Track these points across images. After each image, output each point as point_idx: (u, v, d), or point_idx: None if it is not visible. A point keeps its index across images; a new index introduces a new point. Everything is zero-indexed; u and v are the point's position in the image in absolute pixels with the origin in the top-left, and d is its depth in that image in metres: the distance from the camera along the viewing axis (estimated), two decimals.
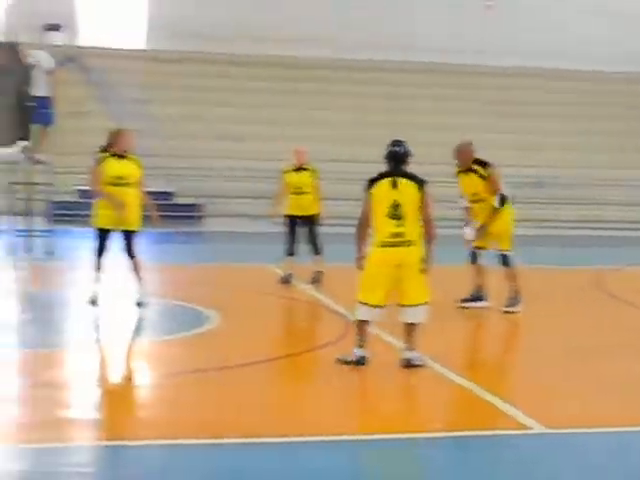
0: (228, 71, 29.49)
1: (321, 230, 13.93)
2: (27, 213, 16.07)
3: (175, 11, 29.78)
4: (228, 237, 21.42)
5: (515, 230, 12.08)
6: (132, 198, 11.47)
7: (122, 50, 30.23)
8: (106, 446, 6.51)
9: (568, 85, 31.67)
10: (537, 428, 6.97)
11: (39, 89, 15.13)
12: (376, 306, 8.65)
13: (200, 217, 24.51)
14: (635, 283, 15.03)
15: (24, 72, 13.24)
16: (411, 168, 8.79)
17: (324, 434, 6.74)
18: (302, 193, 13.78)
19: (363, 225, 8.70)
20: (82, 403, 7.51)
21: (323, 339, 10.42)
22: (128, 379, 8.52)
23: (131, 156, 11.49)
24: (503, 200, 11.78)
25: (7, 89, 7.91)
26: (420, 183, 8.70)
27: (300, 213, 13.81)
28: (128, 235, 11.53)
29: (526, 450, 6.65)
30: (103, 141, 11.60)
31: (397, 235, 8.57)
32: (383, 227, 8.60)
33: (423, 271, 8.66)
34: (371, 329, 8.92)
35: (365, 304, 8.66)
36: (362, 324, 8.78)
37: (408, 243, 8.61)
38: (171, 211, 23.06)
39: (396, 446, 6.65)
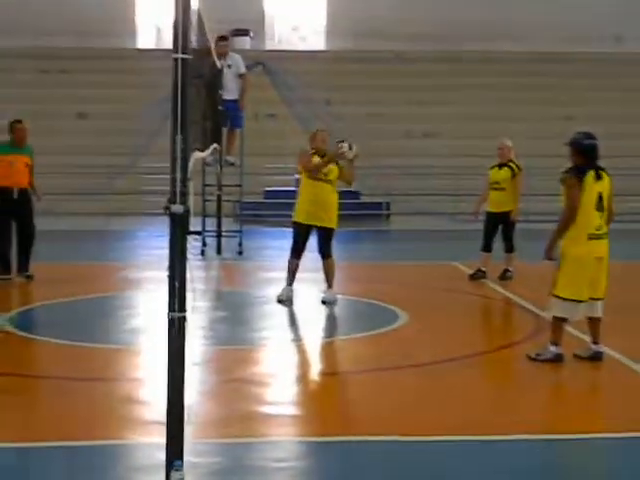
0: (412, 69, 29.40)
1: (518, 227, 13.82)
2: (217, 214, 16.43)
3: (352, 11, 29.93)
4: (414, 235, 21.35)
5: None
6: (328, 195, 11.58)
7: (305, 52, 30.62)
8: (300, 442, 6.56)
9: None
10: None
11: (230, 92, 15.43)
12: (580, 301, 8.46)
13: (386, 215, 24.52)
14: None
15: (217, 76, 13.48)
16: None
17: (531, 433, 6.60)
18: (499, 189, 13.63)
19: (573, 218, 8.49)
20: (274, 399, 7.60)
21: (514, 336, 10.25)
22: (319, 376, 8.57)
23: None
24: None
25: (207, 93, 8.10)
26: (609, 176, 8.57)
27: (496, 210, 13.66)
28: (324, 233, 11.64)
29: None
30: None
31: (600, 227, 8.49)
32: (590, 219, 8.44)
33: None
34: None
35: (567, 300, 8.46)
36: (559, 321, 8.59)
37: (606, 235, 8.56)
38: (357, 210, 23.22)
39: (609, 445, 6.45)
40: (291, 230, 11.87)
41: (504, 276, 13.60)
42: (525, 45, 30.04)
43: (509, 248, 13.72)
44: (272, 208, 22.60)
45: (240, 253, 16.25)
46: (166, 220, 5.09)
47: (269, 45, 31.06)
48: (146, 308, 11.92)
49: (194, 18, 5.45)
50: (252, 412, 7.18)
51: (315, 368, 8.97)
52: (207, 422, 6.83)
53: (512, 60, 29.62)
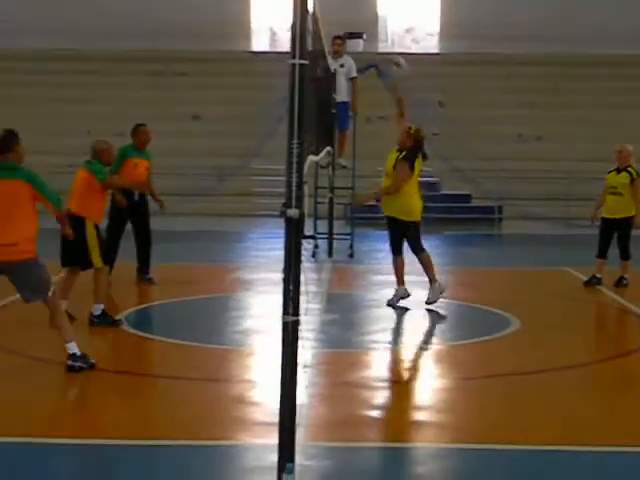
0: (526, 71, 29.06)
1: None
2: (329, 217, 16.48)
3: (466, 14, 29.69)
4: (526, 240, 21.09)
5: None
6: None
7: (418, 54, 30.51)
8: (412, 448, 6.52)
9: None
10: None
11: (340, 95, 15.48)
12: None
13: (498, 219, 24.26)
14: None
15: (331, 79, 13.54)
16: None
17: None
18: (616, 194, 13.34)
19: None
20: (384, 404, 7.60)
21: (629, 345, 10.03)
22: (427, 382, 8.50)
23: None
24: None
25: (321, 97, 8.16)
26: None
27: (612, 215, 13.37)
28: (405, 229, 11.65)
29: None
30: (390, 143, 11.81)
31: None
32: None
33: None
34: None
35: None
36: None
37: None
38: (468, 213, 23.06)
39: None
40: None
41: (619, 283, 13.33)
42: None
43: (625, 255, 13.43)
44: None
45: (351, 256, 16.27)
46: (277, 222, 5.11)
47: (382, 47, 31.04)
48: (258, 310, 12.01)
49: (311, 22, 5.46)
50: (362, 416, 7.17)
51: (424, 373, 8.91)
52: (318, 425, 6.85)
53: (625, 64, 29.02)
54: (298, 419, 5.34)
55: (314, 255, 15.77)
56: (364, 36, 28.62)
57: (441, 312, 11.48)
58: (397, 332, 10.76)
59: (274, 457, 5.44)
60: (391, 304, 11.60)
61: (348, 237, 16.64)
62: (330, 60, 14.32)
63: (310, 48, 5.52)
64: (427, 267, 11.64)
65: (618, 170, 13.48)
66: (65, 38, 28.83)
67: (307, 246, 16.25)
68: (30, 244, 8.24)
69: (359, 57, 17.70)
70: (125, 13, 29.45)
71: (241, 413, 7.24)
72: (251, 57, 30.12)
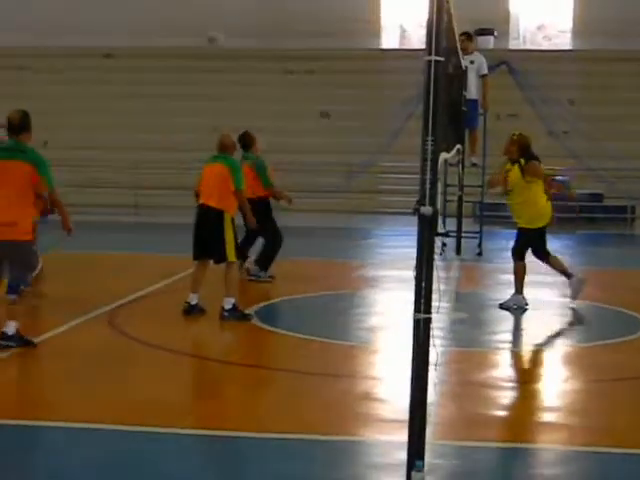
0: None
1: None
2: (458, 215, 16.36)
3: (600, 10, 29.07)
4: None
5: None
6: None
7: (550, 51, 30.04)
8: (541, 449, 6.44)
9: None
10: None
11: (470, 92, 15.36)
12: None
13: (631, 219, 23.69)
14: None
15: (462, 77, 13.42)
16: None
17: None
18: None
19: None
20: (512, 404, 7.51)
21: None
22: (556, 383, 8.36)
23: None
24: None
25: (453, 94, 8.10)
26: None
27: None
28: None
29: None
30: (533, 143, 11.61)
31: None
32: None
33: None
34: None
35: None
36: None
37: None
38: (601, 213, 22.60)
39: None
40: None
41: None
42: None
43: None
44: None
45: (479, 254, 16.12)
46: (403, 219, 5.10)
47: (513, 44, 30.65)
48: (384, 307, 12.02)
49: (445, 19, 5.43)
50: (491, 416, 7.12)
51: (552, 374, 8.77)
52: (446, 423, 6.82)
53: None
54: (427, 417, 5.32)
55: (442, 253, 15.67)
56: (495, 33, 28.34)
57: (572, 312, 11.29)
58: (526, 332, 10.62)
59: (401, 454, 5.44)
60: (506, 307, 11.39)
61: (477, 235, 16.49)
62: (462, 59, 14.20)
63: (445, 45, 5.48)
64: (515, 275, 11.45)
65: None
66: (194, 36, 29.31)
67: (436, 244, 16.15)
68: (29, 226, 8.59)
69: (490, 54, 17.53)
70: (254, 11, 29.77)
71: (367, 409, 7.26)
72: (380, 55, 30.09)
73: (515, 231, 11.83)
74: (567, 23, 31.33)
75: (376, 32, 31.52)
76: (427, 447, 5.36)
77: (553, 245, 11.65)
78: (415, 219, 5.22)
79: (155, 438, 6.44)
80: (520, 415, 7.18)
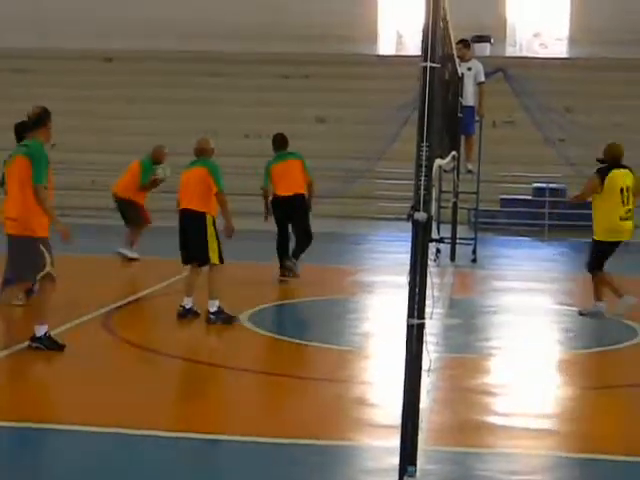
0: None
1: None
2: (453, 221, 16.40)
3: (596, 19, 29.14)
4: None
5: None
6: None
7: (546, 59, 30.10)
8: (532, 455, 6.44)
9: None
10: None
11: (467, 99, 15.41)
12: None
13: None
14: None
15: (458, 84, 13.46)
16: None
17: None
18: None
19: None
20: (505, 410, 7.52)
21: None
22: (547, 389, 8.37)
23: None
24: None
25: (448, 100, 8.12)
26: None
27: None
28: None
29: None
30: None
31: None
32: None
33: None
34: None
35: None
36: None
37: None
38: None
39: None
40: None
41: None
42: None
43: None
44: (508, 217, 22.36)
45: (474, 261, 16.15)
46: (399, 225, 5.13)
47: (510, 52, 30.72)
48: (378, 312, 12.03)
49: (441, 25, 5.45)
50: (483, 422, 7.13)
51: (546, 381, 8.77)
52: (438, 429, 6.83)
53: None
54: (419, 423, 5.33)
55: (436, 259, 15.69)
56: (491, 40, 28.40)
57: (566, 320, 11.30)
58: (520, 339, 10.62)
59: (393, 459, 5.45)
60: (584, 314, 11.39)
61: (471, 242, 16.52)
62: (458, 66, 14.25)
63: (441, 52, 5.51)
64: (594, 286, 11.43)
65: None
66: (194, 39, 29.34)
67: (430, 250, 16.17)
68: (31, 222, 8.54)
69: (486, 61, 17.57)
70: (256, 15, 29.81)
71: (360, 414, 7.27)
72: (377, 60, 30.14)
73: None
74: (563, 31, 31.41)
75: (373, 38, 31.58)
76: (419, 453, 5.37)
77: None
78: (410, 225, 5.24)
79: (147, 441, 6.44)
80: (512, 421, 7.19)
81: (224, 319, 10.36)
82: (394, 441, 5.46)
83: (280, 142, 13.88)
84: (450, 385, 8.21)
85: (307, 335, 9.92)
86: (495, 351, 9.75)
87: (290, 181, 13.46)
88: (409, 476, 5.20)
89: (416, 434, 5.26)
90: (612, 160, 11.22)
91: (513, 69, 20.95)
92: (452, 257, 16.05)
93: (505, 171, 23.44)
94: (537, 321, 11.44)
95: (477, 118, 16.10)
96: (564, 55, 31.10)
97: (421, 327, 5.21)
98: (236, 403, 7.51)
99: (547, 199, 22.50)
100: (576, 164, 22.66)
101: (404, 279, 5.35)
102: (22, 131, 9.55)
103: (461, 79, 14.79)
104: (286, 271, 13.39)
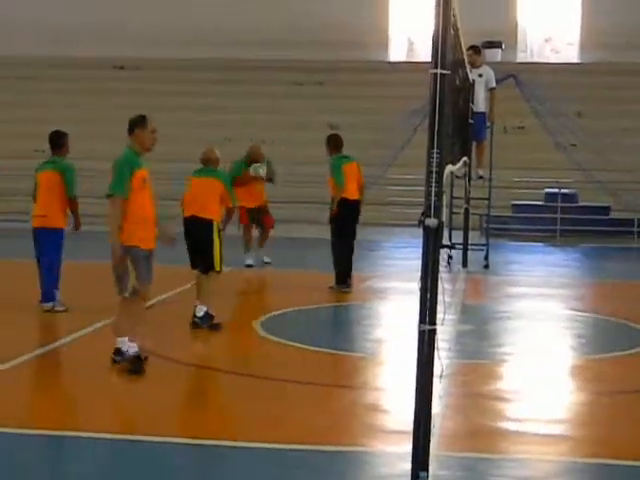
0: None
1: None
2: (465, 227, 16.39)
3: (607, 24, 29.09)
4: None
5: None
6: None
7: (558, 64, 30.09)
8: (546, 460, 6.44)
9: None
10: None
11: (478, 105, 15.42)
12: None
13: (638, 233, 23.66)
14: None
15: (469, 90, 13.45)
16: None
17: None
18: None
19: None
20: (517, 416, 7.52)
21: None
22: (560, 395, 8.37)
23: None
24: None
25: (459, 107, 8.14)
26: None
27: None
28: None
29: None
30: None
31: None
32: None
33: None
34: None
35: None
36: None
37: None
38: (607, 226, 22.57)
39: None
40: None
41: None
42: None
43: None
44: (520, 222, 22.34)
45: (486, 267, 16.12)
46: (411, 231, 5.14)
47: (521, 57, 30.70)
48: (391, 318, 12.04)
49: (452, 32, 5.47)
50: (496, 428, 7.13)
51: (559, 387, 8.77)
52: (451, 435, 6.83)
53: None
54: (432, 428, 5.34)
55: (448, 265, 15.69)
56: (502, 46, 28.39)
57: (578, 325, 11.30)
58: (532, 345, 10.61)
59: (405, 465, 5.46)
60: None
61: (483, 248, 16.50)
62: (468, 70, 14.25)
63: (451, 58, 5.52)
64: None
65: None
66: (207, 47, 29.41)
67: (442, 256, 16.16)
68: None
69: (497, 67, 17.57)
70: (265, 22, 29.87)
71: (373, 420, 7.29)
72: (388, 67, 30.16)
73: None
74: (575, 36, 31.38)
75: (384, 44, 31.60)
76: (431, 458, 5.38)
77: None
78: (421, 231, 5.25)
79: (158, 448, 6.46)
80: (525, 427, 7.19)
81: (210, 326, 10.38)
82: (406, 447, 5.47)
83: (341, 143, 13.65)
84: (462, 391, 8.21)
85: (320, 341, 9.93)
86: (507, 357, 9.75)
87: (356, 185, 13.40)
88: None
89: (428, 440, 5.27)
90: None
91: (524, 75, 20.95)
92: (464, 263, 16.04)
93: (516, 177, 23.43)
94: (549, 327, 11.43)
95: (488, 124, 16.10)
96: (575, 60, 31.07)
97: (433, 333, 5.22)
98: (250, 410, 7.52)
99: (559, 204, 22.47)
100: (587, 169, 22.66)
101: (416, 285, 5.36)
102: (56, 139, 11.32)
103: (472, 85, 14.79)
104: (350, 281, 13.29)
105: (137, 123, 8.72)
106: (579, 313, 12.09)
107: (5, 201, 23.70)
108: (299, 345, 9.79)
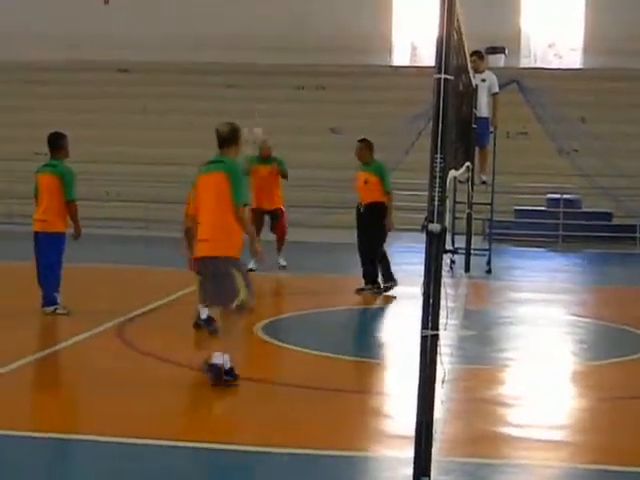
0: None
1: None
2: (467, 232, 16.39)
3: (611, 29, 29.10)
4: None
5: None
6: None
7: (561, 70, 30.09)
8: (547, 466, 6.43)
9: None
10: None
11: (481, 110, 15.42)
12: None
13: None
14: None
15: (473, 95, 13.47)
16: None
17: None
18: None
19: None
20: (520, 421, 7.51)
21: None
22: (562, 401, 8.36)
23: None
24: None
25: (462, 112, 8.16)
26: None
27: None
28: None
29: None
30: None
31: None
32: None
33: None
34: None
35: None
36: None
37: None
38: (609, 232, 22.56)
39: None
40: None
41: None
42: None
43: None
44: (522, 228, 22.32)
45: (489, 272, 16.12)
46: (414, 236, 5.14)
47: (524, 62, 30.71)
48: (393, 323, 12.03)
49: (455, 37, 5.47)
50: (498, 433, 7.12)
51: (561, 392, 8.77)
52: (452, 440, 6.82)
53: None
54: (434, 433, 5.33)
55: (451, 270, 15.69)
56: (506, 51, 28.40)
57: (581, 331, 11.29)
58: (534, 350, 10.61)
59: (407, 470, 5.45)
60: None
61: (486, 253, 16.50)
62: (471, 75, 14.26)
63: (454, 63, 5.52)
64: None
65: None
66: (209, 51, 29.44)
67: (444, 261, 16.15)
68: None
69: (500, 72, 17.58)
70: (269, 28, 29.88)
71: (375, 425, 7.29)
72: (391, 71, 30.16)
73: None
74: (578, 41, 31.37)
75: (387, 49, 31.61)
76: (433, 463, 5.37)
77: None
78: (424, 236, 5.25)
79: (159, 451, 6.46)
80: (527, 432, 7.18)
81: (211, 330, 10.37)
82: (408, 452, 5.47)
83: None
84: (464, 396, 8.20)
85: (322, 346, 9.92)
86: (509, 362, 9.75)
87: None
88: None
89: (430, 445, 5.27)
90: None
91: (527, 80, 20.98)
92: (467, 268, 16.03)
93: (519, 182, 23.42)
94: (551, 332, 11.42)
95: (491, 129, 16.11)
96: (578, 66, 31.07)
97: (435, 338, 5.22)
98: (251, 414, 7.52)
99: (561, 210, 22.47)
100: (590, 175, 22.65)
101: (418, 290, 5.36)
102: (54, 141, 11.28)
103: (475, 90, 14.79)
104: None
105: (239, 134, 8.73)
106: (581, 319, 12.08)
107: (5, 204, 23.73)
108: (302, 350, 9.78)
